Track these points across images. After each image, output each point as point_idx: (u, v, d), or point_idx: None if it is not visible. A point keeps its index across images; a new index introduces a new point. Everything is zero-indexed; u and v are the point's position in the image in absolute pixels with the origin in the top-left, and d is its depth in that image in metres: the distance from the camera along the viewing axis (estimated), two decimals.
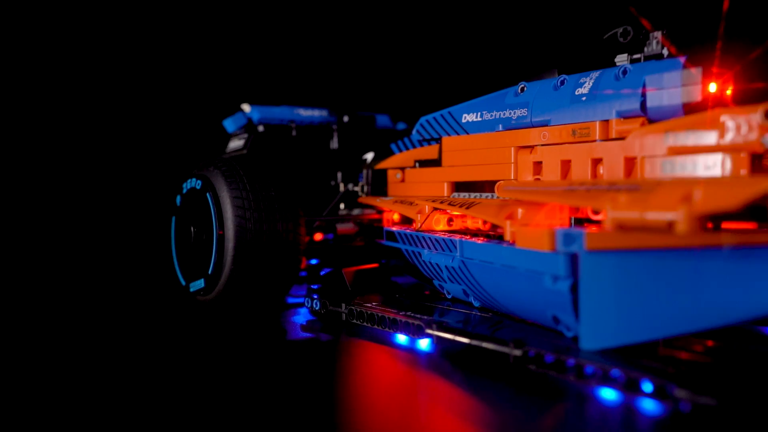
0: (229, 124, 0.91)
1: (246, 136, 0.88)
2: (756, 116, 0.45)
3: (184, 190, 0.75)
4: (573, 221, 0.56)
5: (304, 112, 0.95)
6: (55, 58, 1.22)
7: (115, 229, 1.23)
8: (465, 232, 0.68)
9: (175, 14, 1.25)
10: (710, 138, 0.48)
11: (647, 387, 0.40)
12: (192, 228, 0.73)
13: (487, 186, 0.70)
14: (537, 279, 0.49)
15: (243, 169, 0.72)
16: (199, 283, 0.71)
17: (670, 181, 0.46)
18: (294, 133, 0.92)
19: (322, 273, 0.83)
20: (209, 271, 0.69)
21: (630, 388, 0.41)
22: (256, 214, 0.69)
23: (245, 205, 0.68)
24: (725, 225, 0.52)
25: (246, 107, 0.92)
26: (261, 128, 0.90)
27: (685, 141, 0.50)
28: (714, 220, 0.50)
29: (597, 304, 0.45)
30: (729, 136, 0.47)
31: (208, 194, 0.70)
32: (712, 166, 0.48)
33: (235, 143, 0.89)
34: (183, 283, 0.75)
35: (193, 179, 0.74)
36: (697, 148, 0.49)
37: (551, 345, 0.48)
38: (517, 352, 0.47)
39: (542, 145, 0.63)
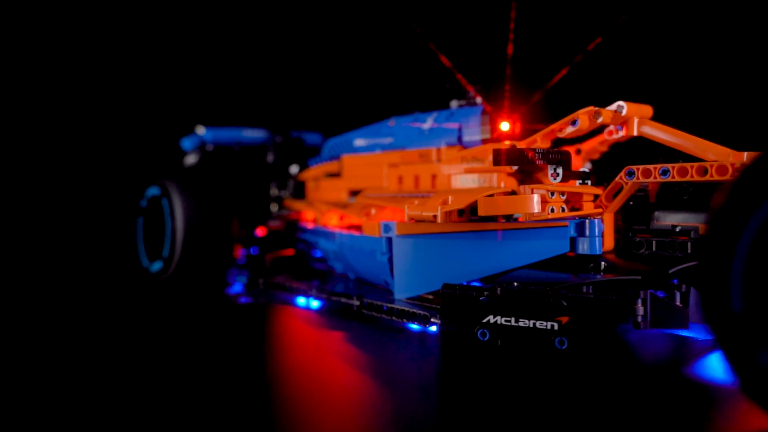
0: (186, 143, 1.17)
1: (198, 153, 1.14)
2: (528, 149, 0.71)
3: (148, 196, 1.00)
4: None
5: (248, 133, 1.20)
6: (44, 82, 1.47)
7: (95, 226, 1.48)
8: (351, 226, 0.94)
9: (148, 53, 1.51)
10: (482, 163, 0.74)
11: (421, 318, 0.66)
12: (152, 224, 0.98)
13: None
14: (374, 255, 0.75)
15: (192, 180, 0.97)
16: (158, 265, 0.97)
17: (441, 191, 0.72)
18: (237, 150, 1.17)
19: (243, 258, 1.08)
20: (165, 255, 0.94)
21: (416, 319, 0.67)
22: (199, 213, 0.94)
23: (191, 207, 0.94)
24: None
25: (200, 129, 1.18)
26: (211, 147, 1.15)
27: (471, 164, 0.76)
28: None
29: (402, 269, 0.71)
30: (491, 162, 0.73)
31: (164, 199, 0.96)
32: (484, 181, 0.74)
33: (190, 159, 1.14)
34: (146, 265, 1.00)
35: (155, 187, 0.99)
36: (476, 169, 0.75)
37: (382, 298, 0.73)
38: (357, 303, 0.73)
39: (402, 163, 0.89)
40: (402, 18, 1.22)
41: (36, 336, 0.72)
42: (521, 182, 0.73)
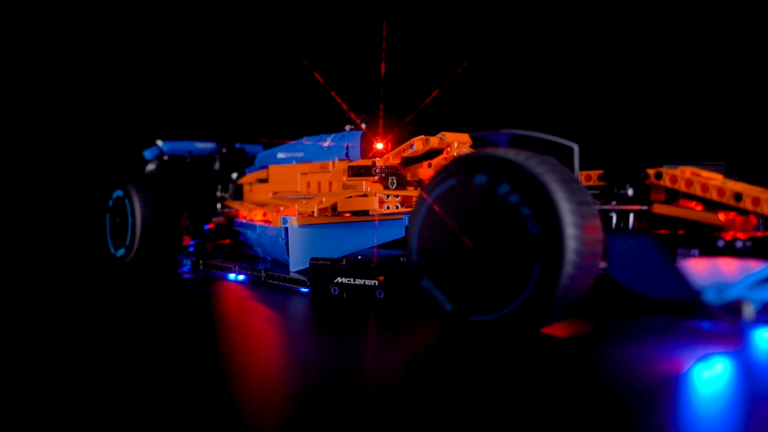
0: (147, 154, 1.45)
1: (157, 162, 1.42)
2: (370, 164, 1.01)
3: (114, 197, 1.29)
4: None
5: (199, 145, 1.49)
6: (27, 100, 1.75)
7: (73, 220, 1.77)
8: (267, 220, 1.23)
9: (119, 80, 1.80)
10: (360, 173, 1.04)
11: (303, 283, 0.95)
12: (117, 219, 1.27)
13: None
14: (277, 240, 1.05)
15: (149, 184, 1.26)
16: (122, 251, 1.25)
17: (322, 193, 1.02)
18: (189, 160, 1.46)
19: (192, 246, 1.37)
20: (126, 243, 1.23)
21: (301, 284, 0.96)
22: (154, 210, 1.23)
23: (148, 205, 1.23)
24: None
25: (159, 142, 1.46)
26: (167, 157, 1.44)
27: (350, 174, 1.06)
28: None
29: (294, 250, 1.00)
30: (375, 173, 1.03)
31: (126, 199, 1.24)
32: (356, 186, 1.03)
33: (150, 167, 1.42)
34: (112, 251, 1.29)
35: (119, 190, 1.28)
36: (353, 179, 1.05)
37: (283, 271, 1.02)
38: (264, 275, 1.03)
39: (310, 173, 1.18)
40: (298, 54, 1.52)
41: (20, 304, 1.01)
42: (386, 188, 1.03)
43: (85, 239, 1.72)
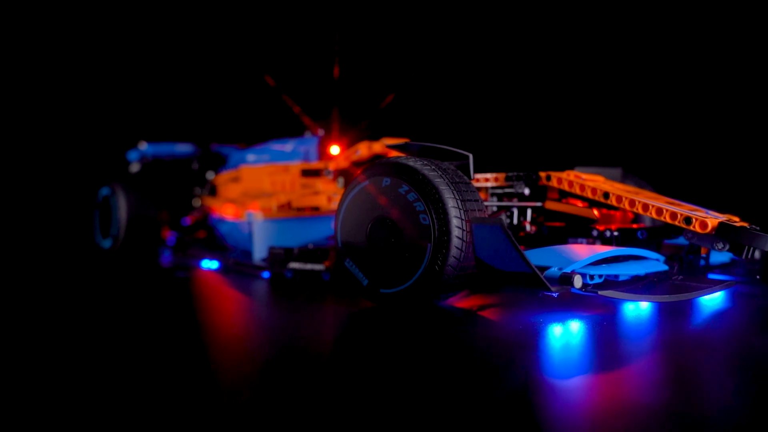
0: (131, 155, 1.61)
1: (140, 162, 1.58)
2: (322, 167, 1.17)
3: (102, 194, 1.45)
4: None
5: (179, 147, 1.65)
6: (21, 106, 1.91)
7: (65, 215, 1.92)
8: (236, 215, 1.39)
9: (106, 89, 1.96)
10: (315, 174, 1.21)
11: (263, 269, 1.11)
12: (104, 214, 1.43)
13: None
14: (243, 232, 1.21)
15: (133, 183, 1.42)
16: (108, 242, 1.41)
17: (282, 190, 1.18)
18: (170, 161, 1.62)
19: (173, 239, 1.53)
20: (112, 236, 1.39)
21: (262, 270, 1.12)
22: (137, 206, 1.39)
23: (132, 202, 1.39)
24: None
25: (142, 144, 1.62)
26: (149, 158, 1.60)
27: (307, 174, 1.22)
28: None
29: (257, 241, 1.17)
30: (325, 174, 1.19)
31: (114, 196, 1.41)
32: (313, 185, 1.20)
33: (134, 167, 1.58)
34: (100, 243, 1.45)
35: (106, 188, 1.44)
36: (311, 180, 1.21)
37: (248, 259, 1.19)
38: (231, 261, 1.19)
39: (275, 173, 1.34)
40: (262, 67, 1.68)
41: (17, 288, 1.17)
42: (341, 186, 1.19)
43: (75, 232, 1.88)
